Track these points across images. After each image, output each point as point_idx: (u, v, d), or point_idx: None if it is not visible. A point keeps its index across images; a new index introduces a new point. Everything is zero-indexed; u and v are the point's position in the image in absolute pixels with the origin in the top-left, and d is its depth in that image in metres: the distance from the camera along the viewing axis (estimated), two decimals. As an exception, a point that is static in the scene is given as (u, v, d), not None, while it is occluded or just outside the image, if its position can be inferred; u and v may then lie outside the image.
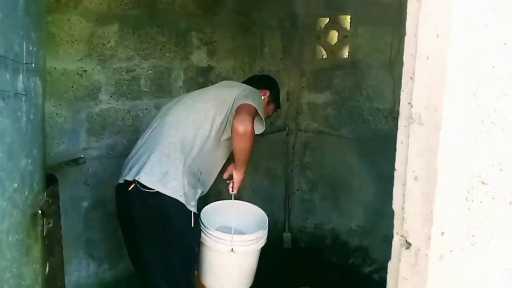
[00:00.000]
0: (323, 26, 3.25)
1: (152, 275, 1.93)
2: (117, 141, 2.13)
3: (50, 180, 1.76)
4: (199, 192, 1.95)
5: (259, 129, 2.02)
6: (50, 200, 1.18)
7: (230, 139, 2.01)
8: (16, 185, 1.02)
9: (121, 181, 1.96)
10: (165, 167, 1.87)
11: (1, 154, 0.95)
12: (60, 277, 1.82)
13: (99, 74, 2.42)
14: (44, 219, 1.13)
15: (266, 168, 3.43)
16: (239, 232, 2.09)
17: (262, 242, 2.08)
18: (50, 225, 1.16)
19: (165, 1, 2.62)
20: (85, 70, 2.36)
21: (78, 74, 2.34)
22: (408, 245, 0.90)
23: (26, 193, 1.07)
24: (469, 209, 0.88)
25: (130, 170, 1.92)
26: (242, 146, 1.94)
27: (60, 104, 2.32)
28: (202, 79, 2.88)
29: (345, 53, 3.15)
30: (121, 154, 2.30)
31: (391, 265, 0.97)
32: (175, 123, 1.99)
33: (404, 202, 0.88)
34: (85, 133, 2.43)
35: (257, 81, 2.34)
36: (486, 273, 0.97)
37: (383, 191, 2.90)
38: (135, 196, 1.86)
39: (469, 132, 0.84)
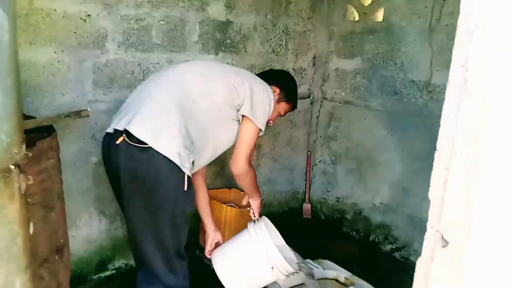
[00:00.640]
0: (357, -16, 3.00)
1: (140, 239, 1.83)
2: (127, 95, 1.97)
3: (47, 131, 1.65)
4: (191, 159, 1.77)
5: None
6: (30, 154, 1.05)
7: (232, 129, 1.94)
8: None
9: (109, 130, 1.81)
10: (160, 121, 1.72)
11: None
12: (62, 233, 1.73)
13: (104, 21, 2.24)
14: (21, 175, 1.00)
15: (288, 137, 3.27)
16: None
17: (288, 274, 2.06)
18: (30, 181, 1.04)
19: None
20: (89, 15, 2.19)
21: (81, 18, 2.17)
22: (445, 243, 0.73)
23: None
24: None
25: (120, 120, 1.77)
26: (243, 183, 2.09)
27: (62, 50, 2.15)
28: (219, 34, 2.68)
29: (380, 16, 2.91)
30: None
31: (420, 264, 0.81)
32: (179, 81, 1.87)
33: (445, 191, 0.71)
34: (91, 85, 2.28)
35: (272, 76, 2.20)
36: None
37: (411, 169, 2.80)
38: (124, 151, 1.71)
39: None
